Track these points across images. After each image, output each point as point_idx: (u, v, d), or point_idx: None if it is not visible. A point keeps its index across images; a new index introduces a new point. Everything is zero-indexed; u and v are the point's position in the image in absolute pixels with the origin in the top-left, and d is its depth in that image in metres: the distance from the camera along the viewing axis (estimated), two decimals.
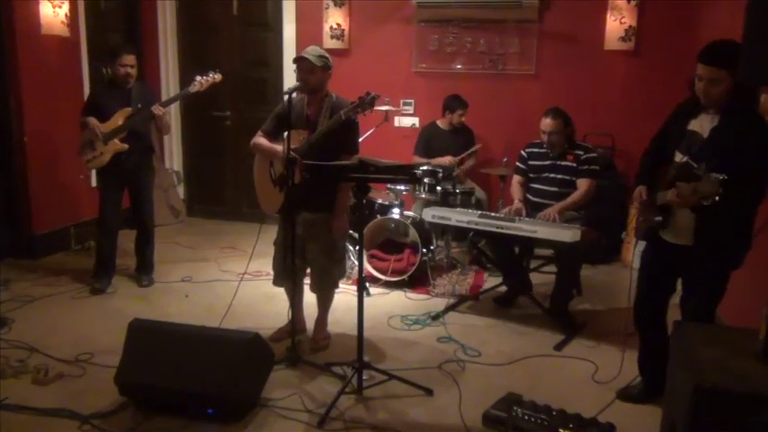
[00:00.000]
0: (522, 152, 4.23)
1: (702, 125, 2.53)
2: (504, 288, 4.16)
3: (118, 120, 4.09)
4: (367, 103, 3.08)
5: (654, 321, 2.85)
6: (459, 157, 5.01)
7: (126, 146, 4.10)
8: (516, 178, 4.24)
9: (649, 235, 2.72)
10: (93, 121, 4.08)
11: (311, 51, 3.21)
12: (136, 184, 4.32)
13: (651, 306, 2.83)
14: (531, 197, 4.14)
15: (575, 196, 3.94)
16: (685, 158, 2.53)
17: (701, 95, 2.48)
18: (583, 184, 3.95)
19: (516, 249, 4.15)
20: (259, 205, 3.52)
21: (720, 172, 2.31)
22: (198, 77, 4.19)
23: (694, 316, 2.61)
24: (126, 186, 4.32)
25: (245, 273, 3.99)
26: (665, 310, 2.84)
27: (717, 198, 2.23)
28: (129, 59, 4.12)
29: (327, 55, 3.25)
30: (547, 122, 3.97)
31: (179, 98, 4.52)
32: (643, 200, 2.66)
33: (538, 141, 4.14)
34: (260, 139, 3.38)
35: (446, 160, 4.93)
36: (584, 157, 3.98)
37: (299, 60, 3.21)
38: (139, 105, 4.13)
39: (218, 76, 4.22)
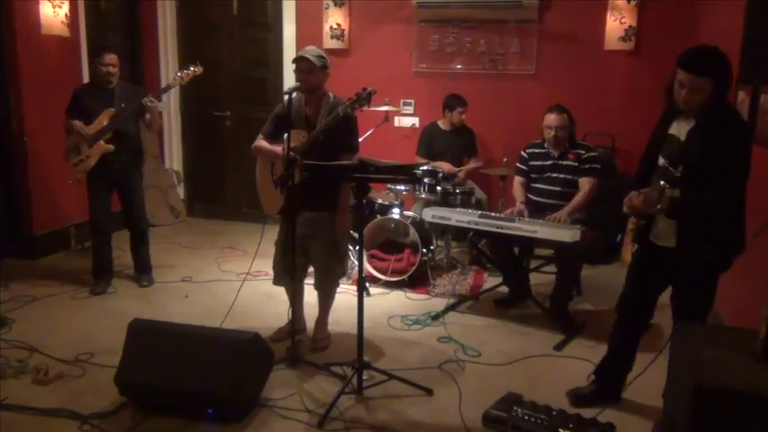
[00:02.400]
0: (523, 153, 4.22)
1: (680, 129, 2.54)
2: (504, 288, 4.16)
3: (102, 121, 4.04)
4: (364, 98, 3.09)
5: (632, 324, 2.84)
6: (458, 170, 4.97)
7: (112, 147, 4.05)
8: (518, 179, 4.24)
9: (639, 238, 2.74)
10: (77, 123, 4.03)
11: (310, 51, 3.22)
12: (125, 186, 4.27)
13: (633, 307, 2.82)
14: (533, 197, 4.13)
15: (579, 198, 3.92)
16: (665, 162, 2.55)
17: (682, 102, 2.45)
18: (585, 183, 3.95)
19: (516, 250, 4.15)
20: (260, 205, 3.53)
21: (697, 173, 2.36)
22: (178, 72, 4.15)
23: (684, 319, 2.59)
24: (115, 188, 4.27)
25: (248, 272, 3.97)
26: (647, 315, 2.82)
27: (659, 206, 2.32)
28: (111, 59, 4.07)
29: (325, 55, 3.27)
30: (552, 117, 3.95)
31: (163, 93, 4.39)
32: (633, 204, 2.67)
33: (538, 141, 4.13)
34: (260, 142, 3.39)
35: (445, 167, 4.90)
36: (586, 155, 3.98)
37: (298, 61, 3.22)
38: (123, 105, 4.06)
39: (198, 69, 4.16)
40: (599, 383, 2.96)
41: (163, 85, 6.03)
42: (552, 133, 3.96)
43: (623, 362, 2.90)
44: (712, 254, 2.51)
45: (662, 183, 2.34)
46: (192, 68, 4.15)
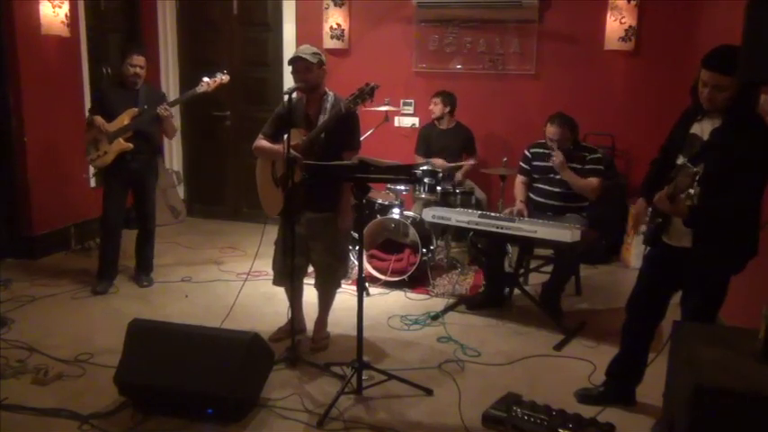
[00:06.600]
0: (526, 152, 4.21)
1: (703, 128, 2.52)
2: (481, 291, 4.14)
3: (124, 119, 4.10)
4: (366, 92, 3.08)
5: (642, 324, 2.82)
6: (451, 165, 4.95)
7: (130, 145, 4.10)
8: (520, 178, 4.23)
9: (652, 239, 2.71)
10: (99, 119, 4.09)
11: (304, 50, 3.22)
12: (140, 185, 4.31)
13: (643, 308, 2.80)
14: (534, 197, 4.13)
15: (584, 182, 3.92)
16: (684, 161, 2.53)
17: (705, 101, 2.44)
18: (591, 181, 3.95)
19: (516, 251, 4.15)
20: (260, 206, 3.52)
21: (717, 173, 2.33)
22: (206, 78, 4.18)
23: (693, 319, 2.59)
24: (130, 187, 4.31)
25: (249, 272, 3.97)
26: (657, 316, 2.80)
27: (692, 191, 2.26)
28: (139, 60, 4.14)
29: (319, 51, 3.26)
30: (552, 131, 3.96)
31: (186, 99, 4.44)
32: (644, 206, 2.64)
33: (542, 141, 4.12)
34: (261, 142, 3.38)
35: (438, 162, 4.89)
36: (589, 158, 3.98)
37: (294, 61, 3.21)
38: (146, 106, 4.13)
39: (225, 78, 4.21)
40: (609, 385, 2.93)
41: (163, 85, 6.05)
42: (553, 145, 3.99)
43: (635, 363, 2.85)
44: (727, 255, 2.49)
45: (690, 168, 2.28)
46: (220, 76, 4.18)
